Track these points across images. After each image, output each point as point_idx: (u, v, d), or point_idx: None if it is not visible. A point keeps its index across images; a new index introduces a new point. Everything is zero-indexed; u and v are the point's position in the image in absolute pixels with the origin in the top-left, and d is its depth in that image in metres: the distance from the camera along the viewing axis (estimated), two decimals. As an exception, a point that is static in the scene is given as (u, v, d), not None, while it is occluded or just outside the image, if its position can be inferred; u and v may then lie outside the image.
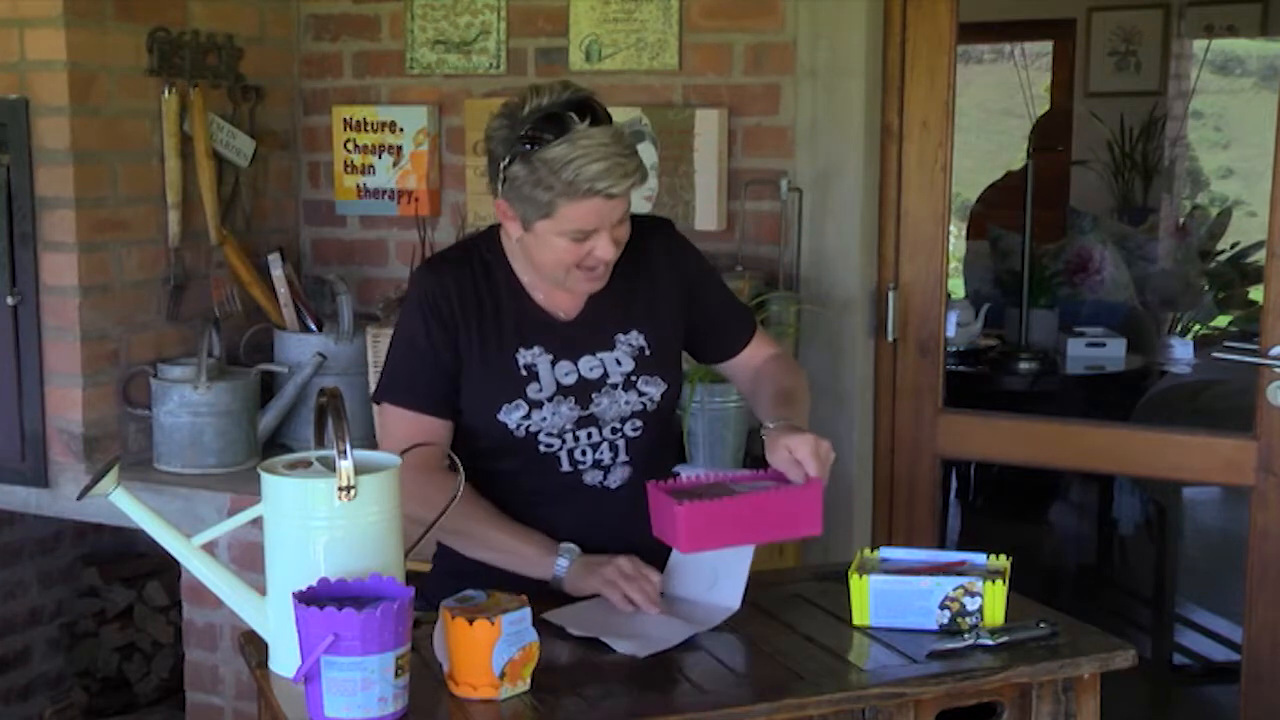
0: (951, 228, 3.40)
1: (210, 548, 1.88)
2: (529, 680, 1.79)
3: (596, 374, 2.19)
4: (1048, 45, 7.56)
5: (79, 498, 1.86)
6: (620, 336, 2.22)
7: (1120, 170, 6.95)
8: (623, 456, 2.22)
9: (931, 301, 3.32)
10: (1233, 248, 6.57)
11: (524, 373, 2.16)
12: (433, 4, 3.59)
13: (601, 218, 2.05)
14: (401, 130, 3.63)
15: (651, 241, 2.26)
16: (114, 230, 3.27)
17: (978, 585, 1.98)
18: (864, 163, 3.26)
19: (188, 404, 3.24)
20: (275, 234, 3.73)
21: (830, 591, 2.14)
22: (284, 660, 1.81)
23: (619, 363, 2.21)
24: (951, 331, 4.55)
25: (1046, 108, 7.44)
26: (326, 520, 1.78)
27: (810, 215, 3.27)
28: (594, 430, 2.19)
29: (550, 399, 2.16)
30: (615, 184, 2.01)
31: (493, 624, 1.74)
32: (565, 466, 2.19)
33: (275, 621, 1.82)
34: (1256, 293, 5.69)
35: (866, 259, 3.30)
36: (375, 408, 2.28)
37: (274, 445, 3.39)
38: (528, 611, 1.78)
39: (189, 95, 3.36)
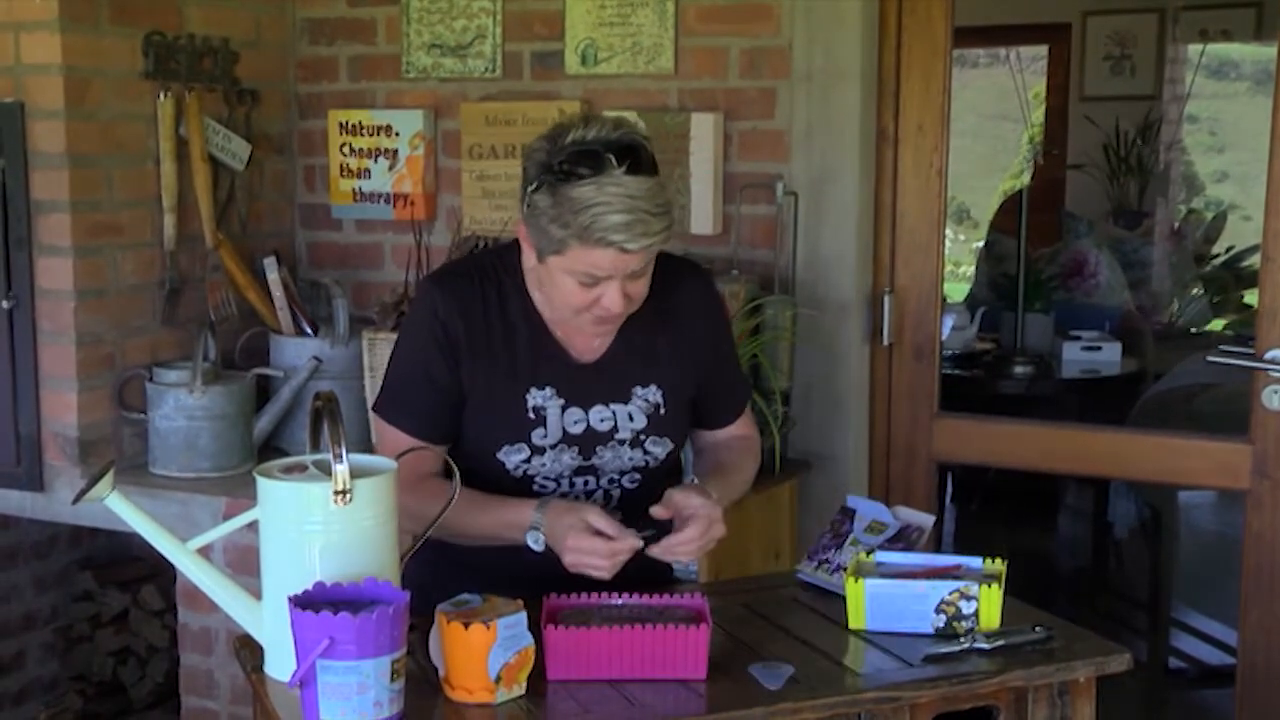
0: (947, 231, 3.40)
1: (206, 552, 1.88)
2: (524, 684, 1.79)
3: (606, 426, 2.10)
4: (1043, 49, 7.58)
5: (74, 502, 1.85)
6: (638, 389, 2.11)
7: (1115, 174, 6.96)
8: (614, 504, 2.14)
9: (927, 305, 3.32)
10: (1227, 251, 6.59)
11: (531, 415, 2.07)
12: (428, 8, 3.59)
13: (614, 268, 1.93)
14: (397, 134, 3.63)
15: (683, 289, 2.16)
16: (109, 234, 3.27)
17: (973, 589, 1.98)
18: (859, 167, 3.26)
19: (183, 408, 3.24)
20: (271, 238, 3.72)
21: (826, 595, 2.15)
22: (279, 664, 1.81)
23: (631, 418, 2.11)
24: (946, 335, 4.55)
25: (1042, 119, 7.44)
26: (322, 524, 1.78)
27: (806, 219, 3.27)
28: (591, 479, 2.12)
29: (554, 446, 2.08)
30: (631, 240, 1.90)
31: (488, 628, 1.74)
32: None
33: (271, 626, 1.82)
34: (1251, 296, 5.70)
35: (862, 263, 3.31)
36: (372, 414, 2.18)
37: (269, 449, 3.39)
38: (523, 616, 1.78)
39: (184, 99, 3.36)
